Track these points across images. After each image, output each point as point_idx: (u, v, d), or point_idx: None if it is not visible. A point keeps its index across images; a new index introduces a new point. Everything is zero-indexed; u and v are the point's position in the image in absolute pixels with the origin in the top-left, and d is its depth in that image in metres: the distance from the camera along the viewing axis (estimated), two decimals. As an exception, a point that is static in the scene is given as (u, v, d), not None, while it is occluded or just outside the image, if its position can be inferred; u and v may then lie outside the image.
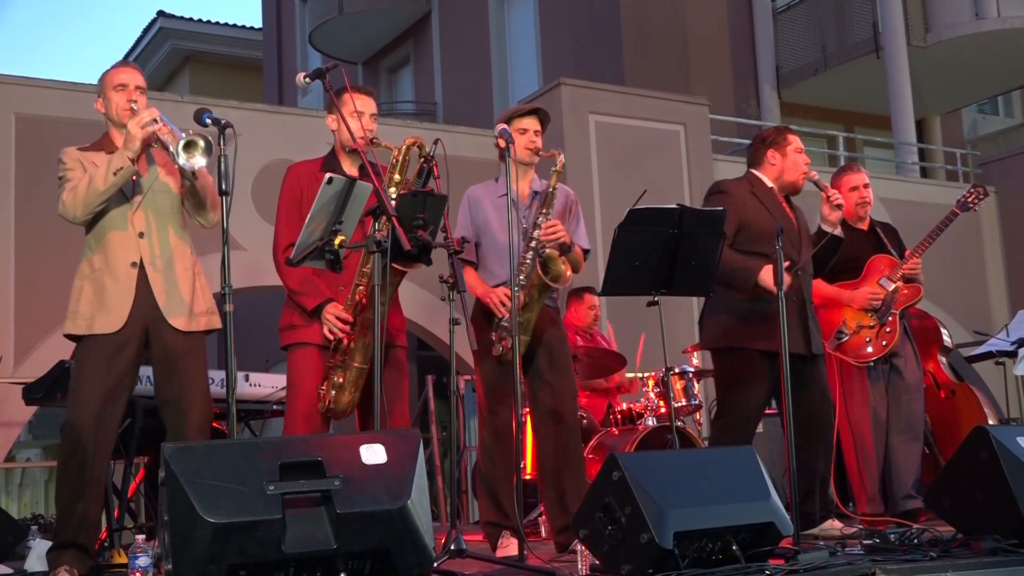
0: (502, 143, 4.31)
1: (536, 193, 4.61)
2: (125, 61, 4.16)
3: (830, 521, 4.75)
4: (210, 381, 5.17)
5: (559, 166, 4.47)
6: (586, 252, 4.65)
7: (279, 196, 4.29)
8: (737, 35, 13.73)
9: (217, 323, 4.12)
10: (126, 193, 3.99)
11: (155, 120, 3.84)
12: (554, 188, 4.47)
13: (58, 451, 3.95)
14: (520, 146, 4.54)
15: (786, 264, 4.27)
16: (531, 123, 4.60)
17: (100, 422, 3.90)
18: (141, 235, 3.99)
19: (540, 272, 4.34)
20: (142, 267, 3.98)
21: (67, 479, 3.90)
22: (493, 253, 4.57)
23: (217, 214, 4.06)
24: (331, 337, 4.06)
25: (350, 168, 4.24)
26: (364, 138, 4.06)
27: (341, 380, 4.07)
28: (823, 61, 13.56)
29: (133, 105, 4.00)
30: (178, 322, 4.00)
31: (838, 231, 4.77)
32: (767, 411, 6.51)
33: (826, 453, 4.73)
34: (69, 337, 4.02)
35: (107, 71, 4.12)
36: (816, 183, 4.72)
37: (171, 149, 3.76)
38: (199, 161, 3.75)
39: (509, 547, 4.41)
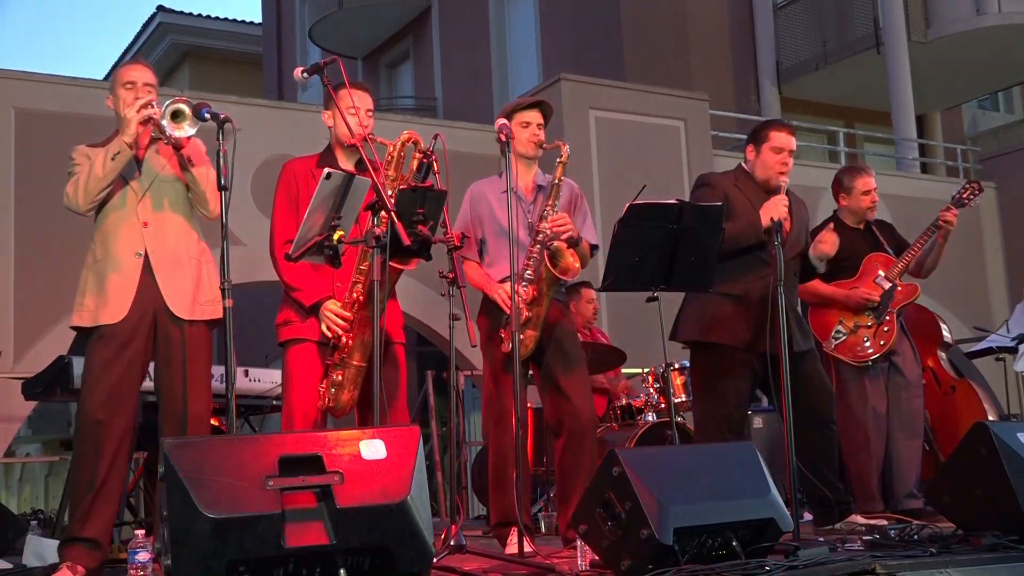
0: (503, 138, 4.31)
1: (541, 187, 4.60)
2: (136, 58, 4.16)
3: (852, 516, 4.74)
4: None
5: (564, 157, 4.42)
6: (594, 248, 4.64)
7: (275, 193, 4.28)
8: (737, 30, 13.71)
9: (219, 312, 4.05)
10: (128, 181, 3.97)
11: (150, 105, 3.83)
12: (559, 180, 4.44)
13: (74, 444, 3.94)
14: (523, 140, 4.53)
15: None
16: (534, 116, 4.56)
17: (114, 413, 3.87)
18: (146, 224, 3.96)
19: (549, 265, 4.31)
20: (147, 257, 3.95)
21: (80, 471, 3.88)
22: (500, 248, 4.55)
23: (217, 205, 4.03)
24: (330, 335, 4.06)
25: (346, 164, 4.23)
26: (361, 134, 4.05)
27: (340, 378, 4.07)
28: (823, 57, 13.55)
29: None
30: (181, 311, 3.97)
31: (821, 267, 4.81)
32: (765, 407, 6.51)
33: (829, 448, 4.73)
34: (76, 329, 4.01)
35: (119, 68, 4.12)
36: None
37: (161, 123, 3.76)
38: (187, 131, 3.75)
39: (516, 545, 4.41)
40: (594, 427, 4.56)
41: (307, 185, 4.11)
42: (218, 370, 5.21)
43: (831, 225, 5.04)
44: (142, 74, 4.07)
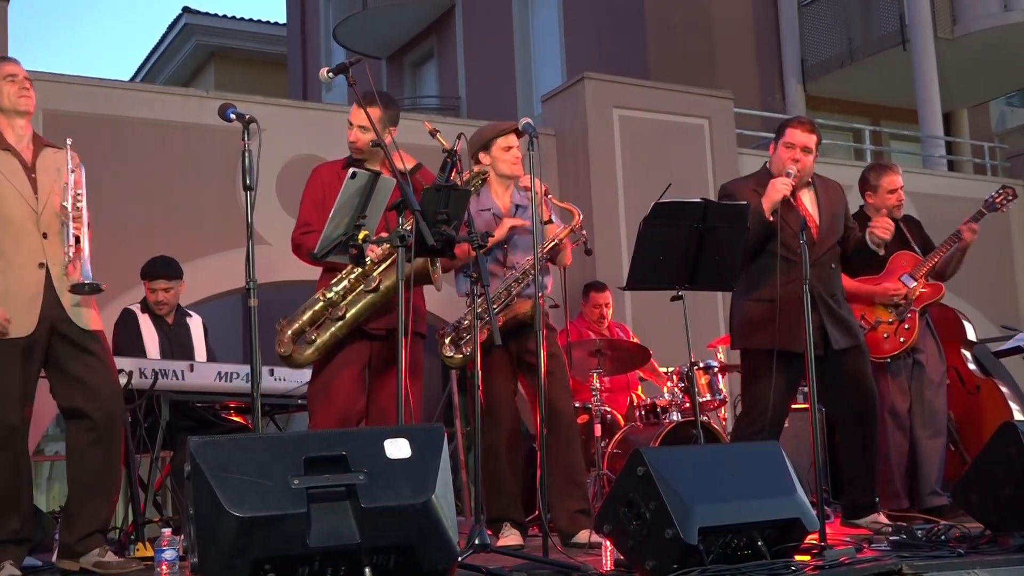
0: (527, 137, 4.35)
1: (518, 207, 4.72)
2: (4, 56, 4.19)
3: (875, 515, 4.73)
4: (235, 375, 5.23)
5: (576, 221, 4.68)
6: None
7: (302, 195, 4.33)
8: (762, 28, 13.65)
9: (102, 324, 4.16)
10: (24, 196, 3.95)
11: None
12: (563, 238, 4.66)
13: None
14: (506, 162, 4.67)
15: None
16: (514, 140, 4.68)
17: (25, 420, 3.95)
18: (45, 236, 3.96)
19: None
20: (47, 269, 3.95)
21: (15, 475, 3.92)
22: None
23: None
24: (372, 255, 4.06)
25: (372, 164, 4.26)
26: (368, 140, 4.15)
27: (315, 338, 4.08)
28: (849, 54, 13.46)
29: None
30: (82, 321, 4.00)
31: (880, 251, 4.81)
32: (794, 406, 6.49)
33: (866, 447, 4.72)
34: None
35: None
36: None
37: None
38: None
39: (511, 537, 4.49)
40: (576, 423, 4.75)
41: (333, 188, 4.14)
42: (244, 369, 5.24)
43: (883, 212, 5.17)
44: (21, 69, 4.09)
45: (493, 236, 4.47)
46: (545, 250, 4.58)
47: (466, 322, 4.53)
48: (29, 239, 3.94)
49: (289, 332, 4.10)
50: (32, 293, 3.92)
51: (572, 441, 4.64)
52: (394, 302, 3.99)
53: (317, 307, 4.11)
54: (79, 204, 3.94)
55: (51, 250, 3.97)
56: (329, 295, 4.09)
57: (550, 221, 4.64)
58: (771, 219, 4.54)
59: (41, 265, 3.95)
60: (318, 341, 4.09)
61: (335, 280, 4.13)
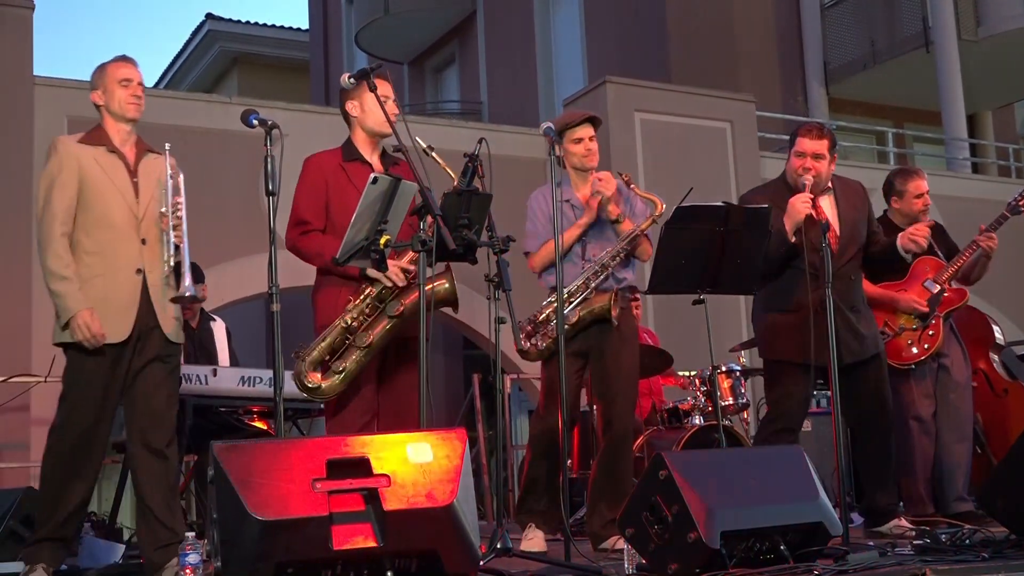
0: (549, 141, 4.32)
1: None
2: (126, 56, 4.11)
3: (896, 520, 4.71)
4: (258, 380, 5.26)
5: (659, 211, 4.63)
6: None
7: (298, 184, 4.17)
8: (784, 31, 13.61)
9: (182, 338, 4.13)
10: (127, 200, 3.94)
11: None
12: (644, 231, 4.62)
13: (55, 449, 3.87)
14: (576, 155, 4.61)
15: None
16: (585, 131, 4.62)
17: (101, 421, 3.88)
18: (144, 242, 3.94)
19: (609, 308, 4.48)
20: (144, 276, 3.93)
21: (69, 478, 3.86)
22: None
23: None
24: (392, 282, 3.98)
25: (370, 156, 4.21)
26: (392, 121, 4.03)
27: (343, 368, 4.00)
28: (872, 56, 13.40)
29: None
30: (170, 332, 3.97)
31: (909, 258, 4.79)
32: (814, 410, 6.47)
33: (880, 450, 4.71)
34: (67, 345, 3.87)
35: (108, 64, 4.07)
36: None
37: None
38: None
39: (534, 539, 4.49)
40: (631, 435, 4.68)
41: (336, 178, 4.10)
42: (267, 374, 5.27)
43: (929, 220, 5.09)
44: (136, 73, 4.06)
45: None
46: (625, 243, 4.57)
47: (541, 316, 4.53)
48: (129, 244, 3.92)
49: (308, 361, 4.02)
50: (128, 299, 3.89)
51: (623, 452, 4.62)
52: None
53: (335, 334, 4.03)
54: (179, 213, 3.92)
55: (149, 257, 3.94)
56: (348, 320, 4.03)
57: (618, 220, 4.58)
58: (793, 239, 4.50)
59: (139, 271, 3.92)
60: (346, 370, 4.01)
61: (352, 306, 4.03)
